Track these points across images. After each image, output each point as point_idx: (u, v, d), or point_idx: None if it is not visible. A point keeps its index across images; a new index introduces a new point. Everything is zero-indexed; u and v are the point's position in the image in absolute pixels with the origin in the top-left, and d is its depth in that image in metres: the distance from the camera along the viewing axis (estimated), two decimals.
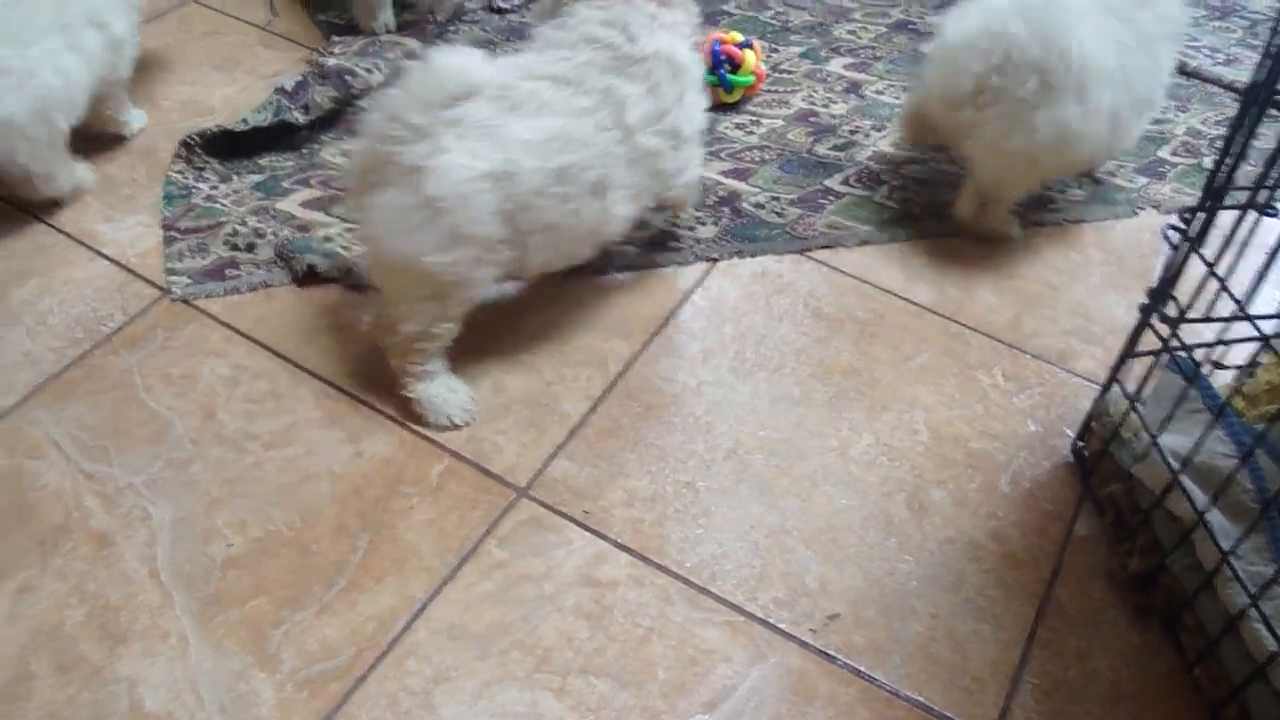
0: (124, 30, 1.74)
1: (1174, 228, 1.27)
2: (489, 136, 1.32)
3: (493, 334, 1.56)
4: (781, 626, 1.26)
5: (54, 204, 1.73)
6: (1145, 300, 1.31)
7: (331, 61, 1.89)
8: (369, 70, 1.91)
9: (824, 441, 1.47)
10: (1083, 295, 1.71)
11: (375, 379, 1.49)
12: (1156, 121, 2.06)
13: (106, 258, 1.64)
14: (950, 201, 1.81)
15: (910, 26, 2.27)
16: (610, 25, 1.43)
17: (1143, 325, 1.33)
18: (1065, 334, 1.64)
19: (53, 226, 1.69)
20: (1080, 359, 1.61)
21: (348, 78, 1.87)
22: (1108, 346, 1.62)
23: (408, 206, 1.31)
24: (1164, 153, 2.01)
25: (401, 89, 1.30)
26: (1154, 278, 1.28)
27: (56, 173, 1.69)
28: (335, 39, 2.04)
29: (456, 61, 1.30)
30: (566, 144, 1.37)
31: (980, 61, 1.58)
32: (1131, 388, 1.37)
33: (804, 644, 1.25)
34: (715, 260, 1.70)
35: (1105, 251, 1.79)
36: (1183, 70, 2.20)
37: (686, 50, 1.50)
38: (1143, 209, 1.88)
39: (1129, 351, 1.37)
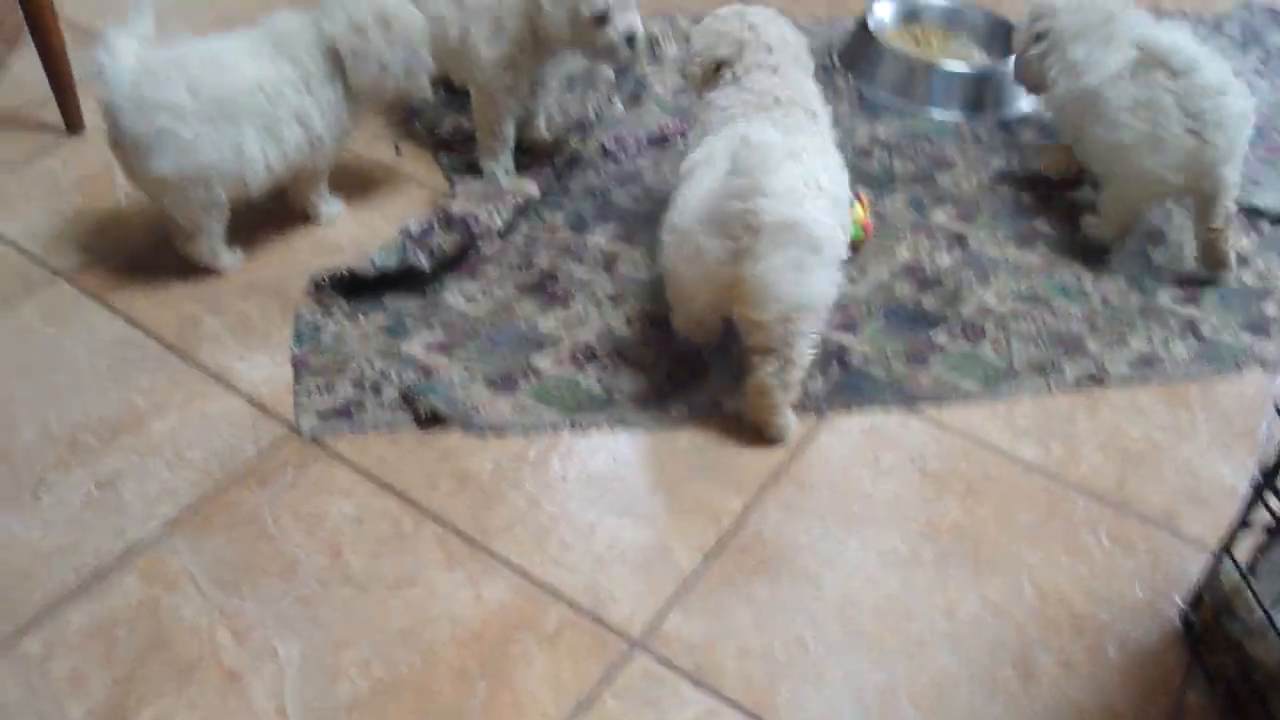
0: (324, 130, 1.92)
1: None
2: (810, 175, 1.63)
3: (605, 485, 1.61)
4: None
5: (204, 270, 1.95)
6: (1257, 475, 1.32)
7: (456, 207, 1.98)
8: (490, 215, 1.99)
9: (931, 601, 1.49)
10: (1189, 455, 1.72)
11: (493, 523, 1.54)
12: (1260, 276, 2.08)
13: (240, 393, 1.73)
14: (1055, 359, 1.84)
15: (1013, 176, 2.32)
16: (781, 88, 1.81)
17: (1254, 500, 1.34)
18: (1172, 495, 1.65)
19: (190, 361, 1.78)
20: (1188, 522, 1.61)
21: (470, 222, 1.96)
22: (1216, 510, 1.62)
23: (801, 252, 1.58)
24: (1269, 308, 2.01)
25: (746, 174, 1.56)
26: (1261, 438, 1.29)
27: (199, 237, 1.91)
28: (457, 180, 2.14)
29: (768, 137, 1.61)
30: (835, 162, 1.75)
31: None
32: (1243, 557, 1.37)
33: None
34: (824, 413, 1.74)
35: (1210, 410, 1.81)
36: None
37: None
38: (1248, 366, 1.89)
39: (1240, 523, 1.38)
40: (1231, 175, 1.97)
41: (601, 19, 1.95)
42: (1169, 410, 1.80)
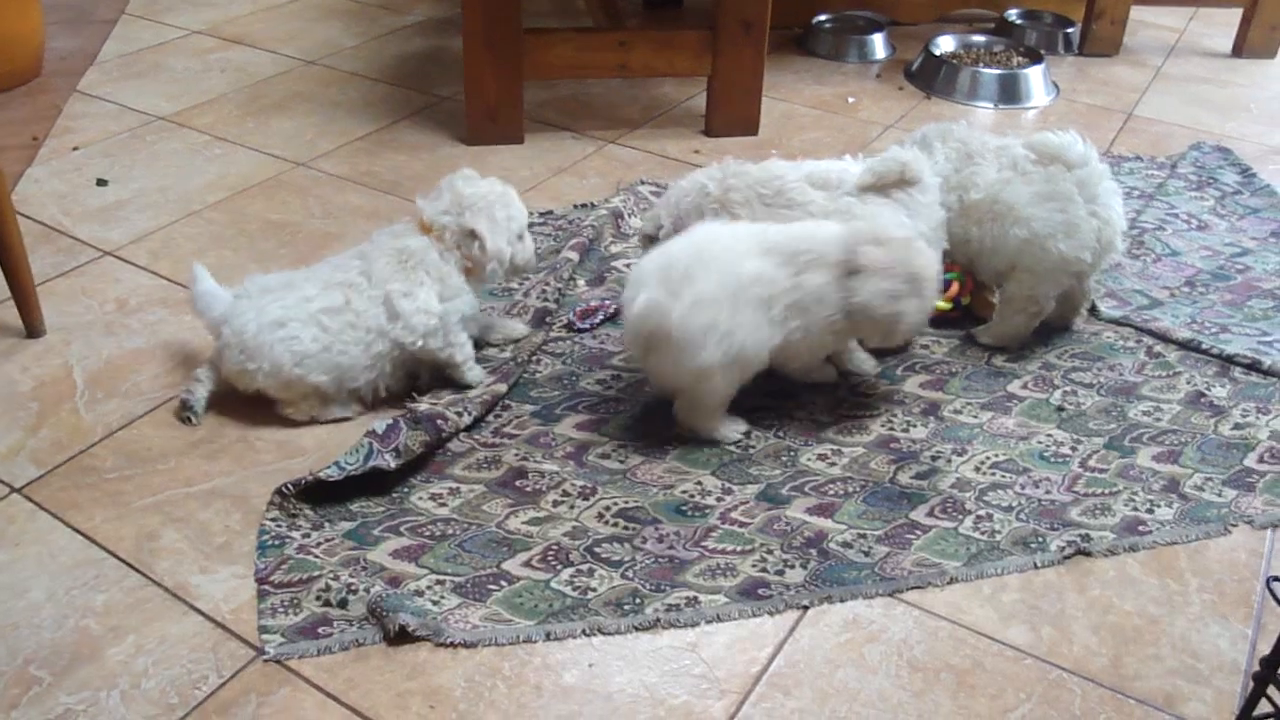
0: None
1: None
2: None
3: (583, 698, 1.54)
4: None
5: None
6: (1257, 666, 1.28)
7: (423, 407, 1.95)
8: (459, 414, 1.96)
9: None
10: (1184, 628, 1.67)
11: None
12: (1237, 426, 2.06)
13: (201, 613, 1.66)
14: (1039, 530, 1.80)
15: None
16: None
17: (1258, 695, 1.29)
18: (1170, 674, 1.60)
19: (149, 578, 1.72)
20: (1189, 702, 1.55)
21: (439, 422, 1.93)
22: (1217, 687, 1.57)
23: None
24: (1250, 460, 1.99)
25: None
26: (1256, 607, 1.24)
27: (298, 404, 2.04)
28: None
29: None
30: None
31: None
32: None
33: None
34: (806, 608, 1.68)
35: (1202, 576, 1.76)
36: (1256, 367, 2.22)
37: None
38: (1235, 526, 1.85)
39: (1245, 716, 1.32)
40: (1122, 245, 2.24)
41: None
42: (1158, 579, 1.75)
